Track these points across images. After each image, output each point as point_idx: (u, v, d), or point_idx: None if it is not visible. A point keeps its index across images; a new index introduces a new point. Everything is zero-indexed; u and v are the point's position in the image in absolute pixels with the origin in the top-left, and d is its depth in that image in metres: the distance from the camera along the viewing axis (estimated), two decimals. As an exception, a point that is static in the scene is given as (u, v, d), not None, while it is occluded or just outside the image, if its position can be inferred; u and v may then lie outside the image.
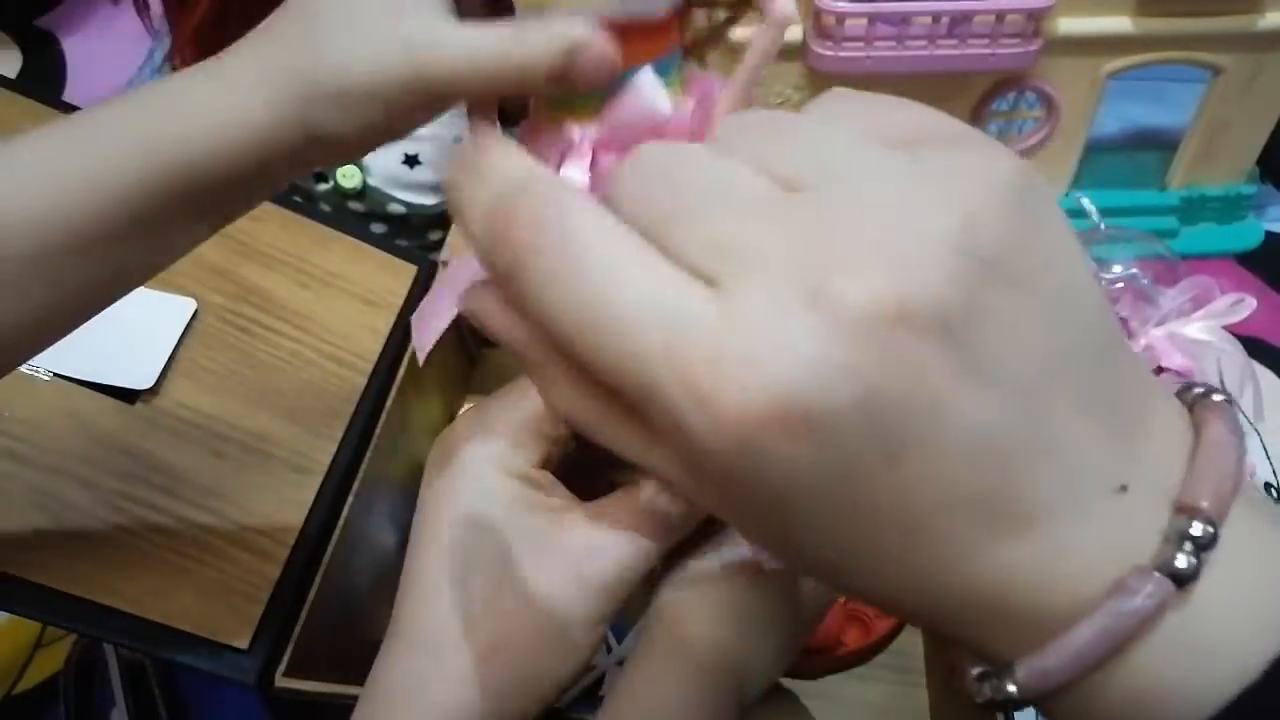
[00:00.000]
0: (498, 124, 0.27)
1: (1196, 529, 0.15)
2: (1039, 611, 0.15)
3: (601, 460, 0.32)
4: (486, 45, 0.22)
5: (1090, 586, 0.15)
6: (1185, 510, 0.15)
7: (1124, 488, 0.15)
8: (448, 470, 0.29)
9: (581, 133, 0.24)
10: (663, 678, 0.28)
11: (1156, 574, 0.15)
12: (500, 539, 0.28)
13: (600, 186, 0.24)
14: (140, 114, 0.24)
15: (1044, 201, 0.16)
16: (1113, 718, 0.15)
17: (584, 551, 0.28)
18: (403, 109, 0.24)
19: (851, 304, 0.14)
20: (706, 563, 0.30)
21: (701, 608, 0.29)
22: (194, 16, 0.53)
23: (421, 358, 0.28)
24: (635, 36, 0.23)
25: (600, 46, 0.22)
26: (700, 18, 0.26)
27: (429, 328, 0.28)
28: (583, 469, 0.31)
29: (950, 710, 0.43)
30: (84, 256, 0.24)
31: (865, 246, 0.14)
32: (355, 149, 0.25)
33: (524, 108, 0.27)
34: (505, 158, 0.17)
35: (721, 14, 0.27)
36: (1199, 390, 0.17)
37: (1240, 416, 0.47)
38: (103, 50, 0.77)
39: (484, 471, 0.28)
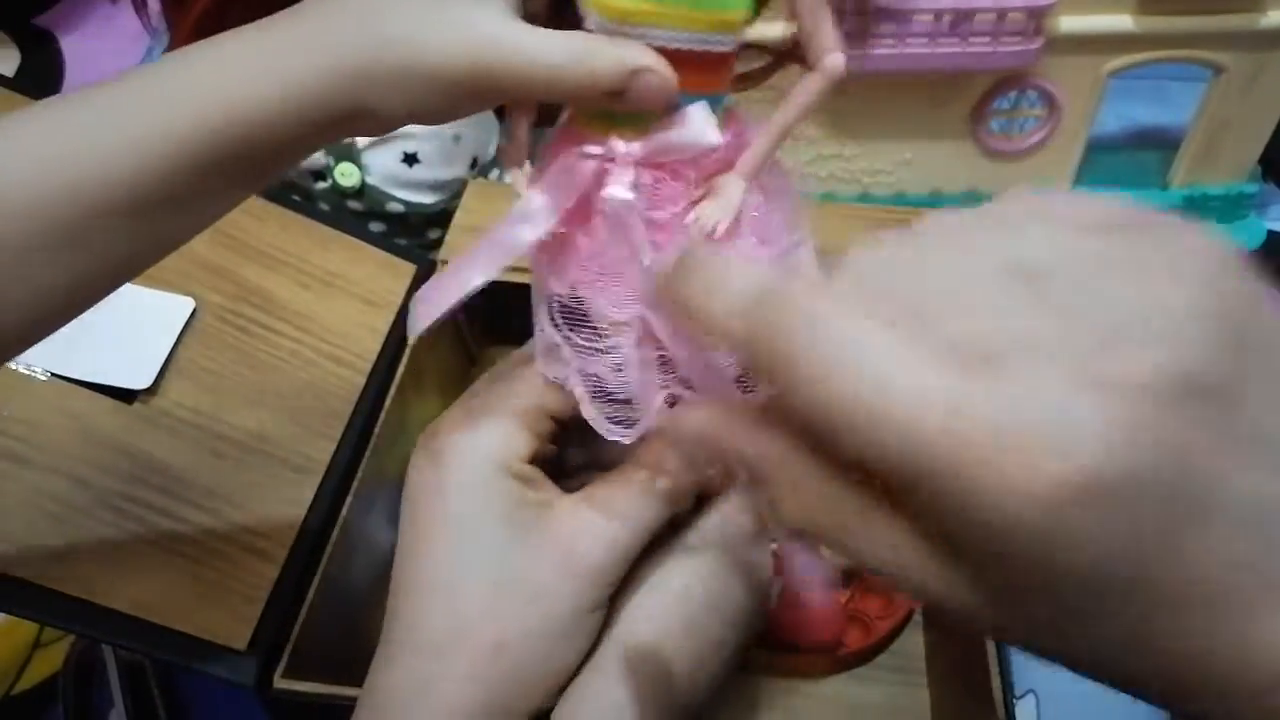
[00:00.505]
0: (530, 126, 0.27)
1: None
2: None
3: (577, 464, 0.32)
4: (554, 51, 0.23)
5: None
6: None
7: None
8: (436, 468, 0.29)
9: (626, 148, 0.25)
10: (618, 687, 0.28)
11: None
12: (493, 535, 0.28)
13: (641, 200, 0.25)
14: (191, 79, 0.24)
15: (1249, 271, 0.17)
16: None
17: (573, 536, 0.28)
18: (459, 96, 0.24)
19: (1135, 379, 0.14)
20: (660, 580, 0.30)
21: (663, 622, 0.29)
22: (192, 14, 0.53)
23: (412, 338, 0.29)
24: (695, 67, 0.24)
25: (663, 74, 0.23)
26: (750, 57, 0.27)
27: (428, 312, 0.28)
28: (558, 472, 0.31)
29: (950, 711, 0.43)
30: (121, 223, 0.24)
31: (1127, 324, 0.15)
32: (401, 125, 0.25)
33: (558, 110, 0.27)
34: (742, 269, 0.19)
35: (767, 57, 0.27)
36: None
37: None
38: (101, 49, 0.77)
39: (473, 468, 0.28)
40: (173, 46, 0.57)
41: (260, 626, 0.38)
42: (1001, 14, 0.52)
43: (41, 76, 0.75)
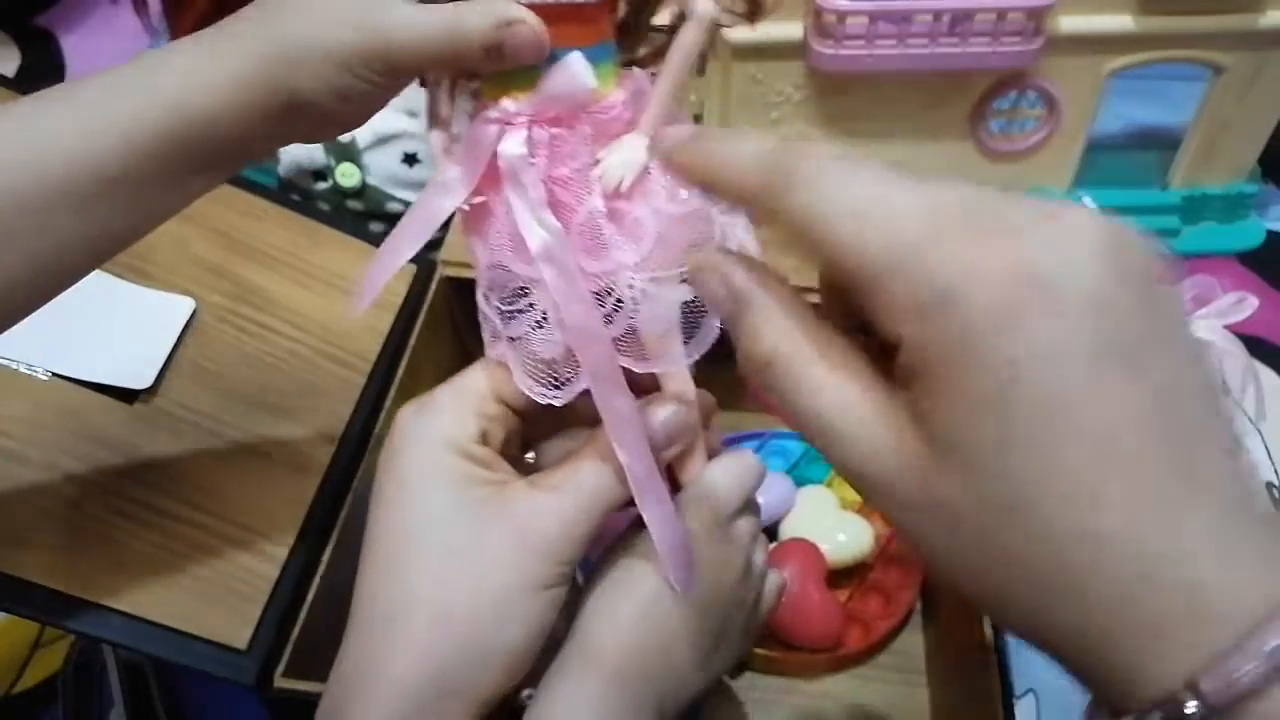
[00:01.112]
0: (449, 95, 0.29)
1: None
2: (1211, 614, 0.16)
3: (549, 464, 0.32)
4: (431, 22, 0.26)
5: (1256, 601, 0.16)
6: None
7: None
8: (391, 450, 0.29)
9: (517, 106, 0.26)
10: (579, 687, 0.28)
11: None
12: (441, 508, 0.28)
13: (536, 155, 0.26)
14: (145, 73, 0.28)
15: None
16: None
17: (524, 514, 0.28)
18: (368, 78, 0.27)
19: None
20: (624, 574, 0.30)
21: (619, 617, 0.29)
22: (191, 13, 0.53)
23: (355, 314, 0.30)
24: (567, 20, 0.25)
25: (530, 24, 0.25)
26: (624, 9, 0.28)
27: (369, 291, 0.30)
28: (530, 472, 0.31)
29: (950, 711, 0.43)
30: (85, 206, 0.27)
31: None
32: (342, 116, 0.28)
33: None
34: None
35: (664, 35, 0.28)
36: None
37: (1243, 416, 0.47)
38: (101, 48, 0.77)
39: (423, 447, 0.29)
40: (172, 46, 0.57)
41: (260, 626, 0.38)
42: (1001, 14, 0.52)
43: (41, 76, 0.75)
